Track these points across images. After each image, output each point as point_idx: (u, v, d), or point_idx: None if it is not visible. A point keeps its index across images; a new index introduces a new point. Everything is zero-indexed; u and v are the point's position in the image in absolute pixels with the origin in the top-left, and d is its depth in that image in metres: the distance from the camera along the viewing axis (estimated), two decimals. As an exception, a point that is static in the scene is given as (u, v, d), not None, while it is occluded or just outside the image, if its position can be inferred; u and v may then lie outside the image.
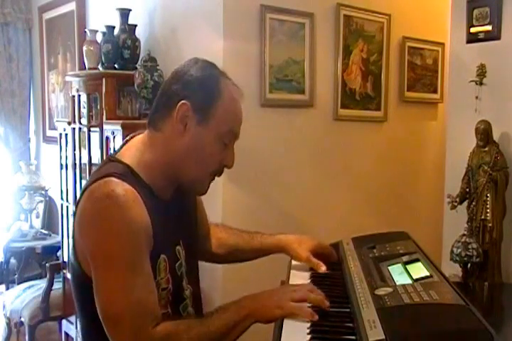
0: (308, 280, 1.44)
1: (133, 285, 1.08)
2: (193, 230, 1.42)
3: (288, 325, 1.12)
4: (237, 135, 1.28)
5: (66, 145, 3.17)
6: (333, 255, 1.57)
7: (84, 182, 2.91)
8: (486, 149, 2.21)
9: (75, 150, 3.03)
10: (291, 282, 1.47)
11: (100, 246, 1.10)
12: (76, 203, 1.19)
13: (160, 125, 1.23)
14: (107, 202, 1.10)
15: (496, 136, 2.25)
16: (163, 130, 1.23)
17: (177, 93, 1.21)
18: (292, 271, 1.54)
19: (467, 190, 2.26)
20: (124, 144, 1.30)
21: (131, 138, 1.31)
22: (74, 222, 1.18)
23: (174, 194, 1.30)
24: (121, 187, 1.12)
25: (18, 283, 3.71)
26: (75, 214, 1.18)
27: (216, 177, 1.31)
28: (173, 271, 1.24)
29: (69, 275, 1.32)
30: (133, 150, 1.25)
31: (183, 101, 1.19)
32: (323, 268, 1.48)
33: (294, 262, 1.59)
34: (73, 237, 1.19)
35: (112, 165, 1.21)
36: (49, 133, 4.38)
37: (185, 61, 1.28)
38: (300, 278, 1.48)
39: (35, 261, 3.99)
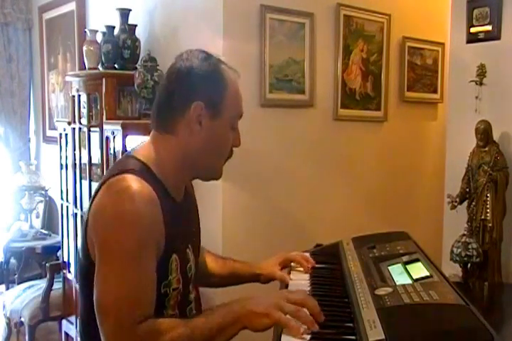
0: (308, 280, 1.44)
1: (127, 280, 1.08)
2: (199, 235, 1.42)
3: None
4: (241, 115, 1.30)
5: (66, 145, 3.17)
6: (301, 260, 1.56)
7: (84, 182, 2.92)
8: (486, 149, 2.22)
9: (75, 150, 3.03)
10: (291, 282, 1.47)
11: (107, 238, 1.11)
12: (93, 196, 1.20)
13: (172, 127, 1.23)
14: (123, 197, 1.11)
15: (496, 136, 2.25)
16: (176, 132, 1.23)
17: (188, 94, 1.21)
18: (292, 272, 1.55)
19: (467, 190, 2.27)
20: (134, 147, 1.31)
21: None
22: (88, 213, 1.19)
23: (183, 196, 1.31)
24: (138, 184, 1.13)
25: (18, 283, 3.72)
26: (90, 206, 1.19)
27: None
28: (183, 272, 1.24)
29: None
30: (147, 150, 1.25)
31: (196, 103, 1.20)
32: (287, 280, 1.48)
33: (293, 263, 1.59)
34: (85, 228, 1.19)
35: (129, 162, 1.22)
36: (49, 133, 4.38)
37: (181, 55, 1.26)
38: (300, 278, 1.48)
39: (35, 261, 4.00)
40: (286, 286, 1.45)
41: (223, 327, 1.08)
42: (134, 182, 1.13)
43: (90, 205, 1.19)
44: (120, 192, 1.12)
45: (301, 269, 1.55)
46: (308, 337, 1.06)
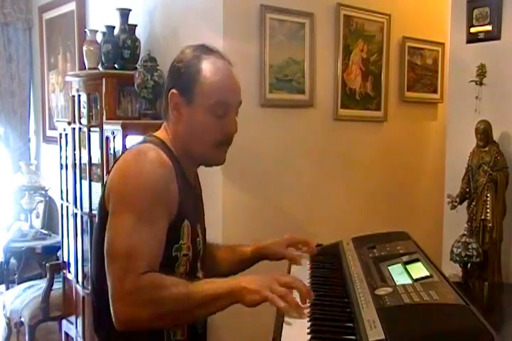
0: (308, 280, 1.44)
1: (136, 231, 1.16)
2: (204, 220, 1.48)
3: (288, 324, 1.12)
4: (232, 103, 1.35)
5: (66, 145, 3.17)
6: (308, 242, 1.65)
7: (84, 182, 2.92)
8: (486, 149, 2.22)
9: (75, 150, 3.03)
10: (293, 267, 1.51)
11: (123, 192, 1.22)
12: (115, 160, 1.32)
13: (166, 115, 1.38)
14: (143, 158, 1.24)
15: (496, 136, 2.25)
16: (168, 119, 1.37)
17: (167, 84, 1.37)
18: (292, 271, 1.55)
19: (467, 190, 2.27)
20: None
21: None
22: (109, 174, 1.29)
23: (194, 182, 1.42)
24: (157, 152, 1.26)
25: (18, 283, 3.72)
26: (112, 167, 1.30)
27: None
28: (193, 243, 1.32)
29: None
30: (161, 133, 1.38)
31: (172, 91, 1.33)
32: (299, 261, 1.56)
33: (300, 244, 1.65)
34: (105, 184, 1.29)
35: (150, 139, 1.35)
36: (49, 133, 4.38)
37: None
38: (300, 277, 1.47)
39: (35, 261, 3.99)
40: (289, 271, 1.51)
41: (218, 297, 1.15)
42: (153, 149, 1.26)
43: (112, 166, 1.30)
44: (141, 154, 1.25)
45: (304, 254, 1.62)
46: (309, 336, 1.06)
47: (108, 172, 1.30)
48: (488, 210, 2.17)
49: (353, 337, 1.07)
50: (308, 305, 1.19)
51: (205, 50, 1.36)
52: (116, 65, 2.93)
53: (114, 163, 1.30)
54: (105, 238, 1.19)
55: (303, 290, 1.20)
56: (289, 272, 1.54)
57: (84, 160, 2.92)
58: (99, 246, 1.25)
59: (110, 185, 1.26)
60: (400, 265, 1.34)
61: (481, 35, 2.35)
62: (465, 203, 2.28)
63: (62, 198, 3.26)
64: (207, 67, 1.32)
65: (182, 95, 1.32)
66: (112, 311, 1.14)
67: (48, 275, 3.23)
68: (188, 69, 1.32)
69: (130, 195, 1.20)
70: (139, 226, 1.16)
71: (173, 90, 1.32)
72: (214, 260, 1.57)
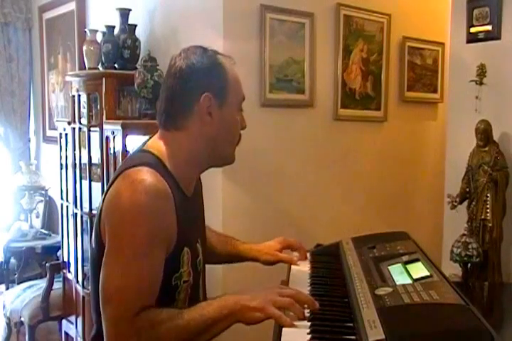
0: (308, 280, 1.44)
1: (133, 270, 1.11)
2: (205, 229, 1.47)
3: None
4: (244, 97, 1.35)
5: (66, 145, 3.17)
6: (300, 246, 1.64)
7: (84, 182, 2.92)
8: (486, 149, 2.22)
9: (75, 150, 3.02)
10: (291, 281, 1.47)
11: (119, 228, 1.15)
12: (108, 185, 1.23)
13: (182, 123, 1.27)
14: (138, 188, 1.14)
15: (496, 136, 2.25)
16: (187, 127, 1.27)
17: (194, 89, 1.26)
18: (292, 271, 1.55)
19: (467, 189, 2.27)
20: (145, 142, 1.35)
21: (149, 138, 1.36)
22: (103, 201, 1.22)
23: (193, 192, 1.36)
24: (153, 177, 1.17)
25: (18, 283, 3.71)
26: (105, 194, 1.22)
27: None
28: (193, 266, 1.28)
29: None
30: (159, 146, 1.29)
31: (205, 94, 1.25)
32: (294, 261, 1.56)
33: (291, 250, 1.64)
34: (99, 215, 1.22)
35: (144, 155, 1.26)
36: (49, 133, 4.38)
37: (180, 55, 1.31)
38: (300, 277, 1.48)
39: (35, 261, 3.99)
40: (288, 274, 1.50)
41: (217, 320, 1.11)
42: (149, 175, 1.17)
43: (105, 194, 1.22)
44: (136, 183, 1.15)
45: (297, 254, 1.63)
46: (309, 336, 1.06)
47: (102, 201, 1.23)
48: (488, 210, 2.17)
49: (353, 337, 1.07)
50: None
51: (209, 49, 1.33)
52: (116, 65, 2.93)
53: (108, 187, 1.22)
54: (100, 275, 1.14)
55: (307, 300, 1.16)
56: (289, 272, 1.54)
57: (84, 160, 2.92)
58: (97, 279, 1.19)
59: (104, 217, 1.19)
60: (400, 265, 1.34)
61: (481, 35, 2.34)
62: (465, 203, 2.28)
63: (62, 198, 3.26)
64: (226, 64, 1.30)
65: (215, 97, 1.26)
66: None
67: (47, 275, 3.23)
68: (215, 71, 1.27)
69: (125, 231, 1.14)
70: (134, 262, 1.12)
71: (207, 93, 1.25)
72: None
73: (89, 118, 2.86)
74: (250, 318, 1.11)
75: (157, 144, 1.29)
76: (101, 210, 1.21)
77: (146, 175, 1.16)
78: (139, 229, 1.13)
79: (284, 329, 1.09)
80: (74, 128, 3.01)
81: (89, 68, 2.96)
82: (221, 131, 1.29)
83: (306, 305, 1.16)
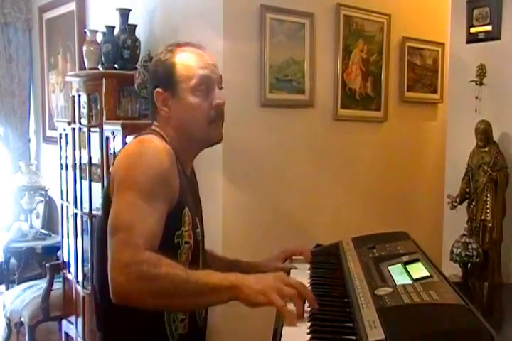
0: (308, 280, 1.44)
1: (137, 207, 1.18)
2: (202, 215, 1.49)
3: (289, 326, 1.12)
4: (212, 77, 1.38)
5: (66, 146, 3.17)
6: (302, 250, 1.64)
7: (84, 182, 2.92)
8: (486, 149, 2.21)
9: (75, 150, 3.03)
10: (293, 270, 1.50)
11: (126, 173, 1.25)
12: (120, 149, 1.35)
13: (154, 117, 1.42)
14: (145, 145, 1.28)
15: (495, 136, 2.25)
16: (158, 120, 1.41)
17: (149, 87, 1.42)
18: (292, 271, 1.55)
19: (467, 190, 2.26)
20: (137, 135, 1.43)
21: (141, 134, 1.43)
22: (114, 160, 1.33)
23: (190, 176, 1.44)
24: (160, 142, 1.30)
25: (18, 283, 3.71)
26: (116, 156, 1.36)
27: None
28: (194, 231, 1.33)
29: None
30: (153, 133, 1.39)
31: (156, 90, 1.37)
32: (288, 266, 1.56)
33: (294, 261, 1.62)
34: (109, 180, 1.31)
35: (148, 132, 1.38)
36: (49, 133, 4.38)
37: None
38: (300, 277, 1.47)
39: (35, 261, 3.99)
40: (289, 273, 1.49)
41: (217, 288, 1.11)
42: (156, 139, 1.31)
43: (117, 154, 1.35)
44: (144, 141, 1.30)
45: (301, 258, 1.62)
46: (309, 336, 1.06)
47: (108, 173, 1.32)
48: (488, 210, 2.17)
49: (353, 337, 1.06)
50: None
51: (178, 44, 1.42)
52: (116, 65, 2.93)
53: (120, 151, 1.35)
54: (110, 214, 1.20)
55: (309, 298, 1.16)
56: (288, 273, 1.54)
57: (84, 160, 2.92)
58: (102, 244, 1.23)
59: (114, 170, 1.28)
60: (400, 265, 1.34)
61: (481, 35, 2.34)
62: (465, 203, 2.28)
63: (62, 198, 3.26)
64: (180, 55, 1.37)
65: (166, 90, 1.36)
66: (109, 283, 1.11)
67: (47, 276, 3.23)
68: (163, 64, 1.37)
69: (133, 175, 1.23)
70: (139, 203, 1.18)
71: (157, 89, 1.37)
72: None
73: (89, 118, 2.86)
74: (251, 299, 1.10)
75: (151, 133, 1.39)
76: (111, 176, 1.29)
77: (154, 138, 1.30)
78: (145, 174, 1.22)
79: (284, 329, 1.09)
80: (74, 129, 3.02)
81: (89, 68, 2.96)
82: (184, 117, 1.36)
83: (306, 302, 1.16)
